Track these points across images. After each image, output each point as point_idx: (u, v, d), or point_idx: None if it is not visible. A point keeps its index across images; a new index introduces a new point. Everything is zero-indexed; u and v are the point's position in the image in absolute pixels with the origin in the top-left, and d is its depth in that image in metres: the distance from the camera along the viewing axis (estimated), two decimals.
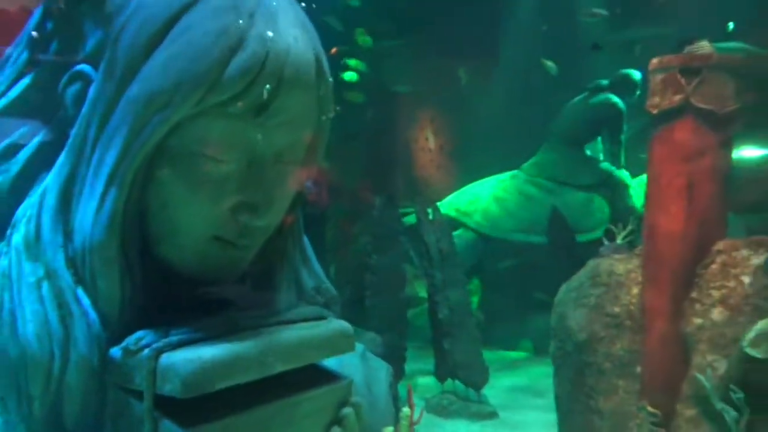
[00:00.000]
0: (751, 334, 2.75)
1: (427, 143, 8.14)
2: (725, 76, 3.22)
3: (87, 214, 1.31)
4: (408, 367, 4.92)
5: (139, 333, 1.27)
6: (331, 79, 1.47)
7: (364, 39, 6.88)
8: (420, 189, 7.72)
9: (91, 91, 1.34)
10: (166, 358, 1.20)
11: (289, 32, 1.33)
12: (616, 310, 3.58)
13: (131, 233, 1.32)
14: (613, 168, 6.33)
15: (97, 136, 1.31)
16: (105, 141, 1.30)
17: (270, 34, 1.29)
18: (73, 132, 1.36)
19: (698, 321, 3.22)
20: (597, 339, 3.57)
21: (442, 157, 8.08)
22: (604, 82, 6.24)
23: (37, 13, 1.45)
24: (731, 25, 5.42)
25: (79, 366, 1.27)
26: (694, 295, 3.27)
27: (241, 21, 1.27)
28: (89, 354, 1.27)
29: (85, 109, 1.34)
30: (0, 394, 1.27)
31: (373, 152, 6.79)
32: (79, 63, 1.39)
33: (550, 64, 6.37)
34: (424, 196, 6.39)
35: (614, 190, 6.18)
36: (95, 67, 1.35)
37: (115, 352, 1.28)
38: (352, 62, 6.83)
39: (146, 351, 1.22)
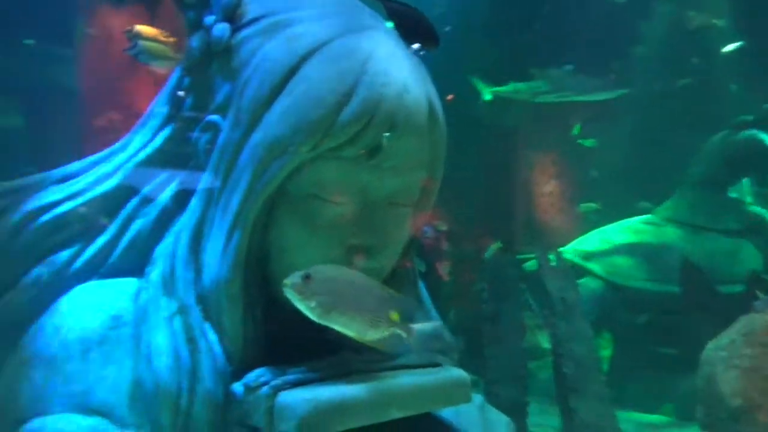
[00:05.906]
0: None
1: (547, 186, 7.86)
2: None
3: (215, 253, 1.39)
4: (531, 422, 4.61)
5: (259, 370, 1.31)
6: (443, 123, 1.47)
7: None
8: (541, 233, 7.41)
9: (220, 139, 1.45)
10: (284, 397, 1.23)
11: (401, 77, 1.36)
12: None
13: (253, 273, 1.39)
14: (764, 212, 5.68)
15: (224, 181, 1.41)
16: (231, 185, 1.39)
17: (383, 79, 1.32)
18: (204, 178, 1.47)
19: None
20: (755, 407, 3.12)
21: (564, 200, 7.74)
22: (749, 117, 5.69)
23: (176, 72, 1.61)
24: None
25: (205, 400, 1.32)
26: None
27: (354, 68, 1.32)
28: (215, 389, 1.32)
29: (214, 157, 1.45)
30: (137, 422, 1.35)
31: (490, 195, 6.66)
32: (209, 114, 1.51)
33: None
34: (545, 241, 6.12)
35: (767, 236, 5.53)
36: (224, 118, 1.46)
37: (237, 387, 1.31)
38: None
39: (264, 389, 1.25)
